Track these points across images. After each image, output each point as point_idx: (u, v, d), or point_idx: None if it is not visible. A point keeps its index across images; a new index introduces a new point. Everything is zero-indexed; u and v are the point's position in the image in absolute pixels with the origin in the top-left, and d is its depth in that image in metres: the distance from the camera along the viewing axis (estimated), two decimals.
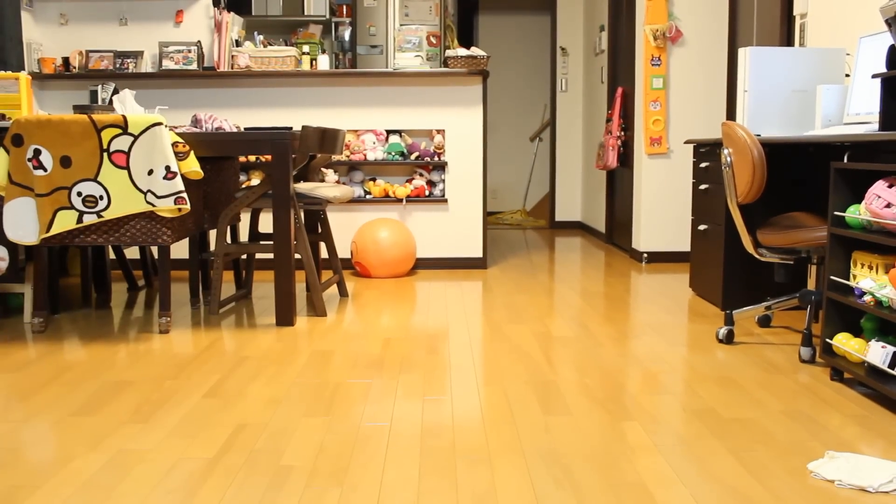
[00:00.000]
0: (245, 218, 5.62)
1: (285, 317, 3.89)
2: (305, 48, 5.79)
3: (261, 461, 2.23)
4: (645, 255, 6.01)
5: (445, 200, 5.68)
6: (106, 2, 5.70)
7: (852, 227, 2.87)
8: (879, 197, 2.65)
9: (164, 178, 3.59)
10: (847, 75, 3.90)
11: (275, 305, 3.93)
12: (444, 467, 2.17)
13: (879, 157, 3.17)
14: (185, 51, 5.57)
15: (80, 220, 3.62)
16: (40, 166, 3.58)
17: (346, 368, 3.17)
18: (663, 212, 5.99)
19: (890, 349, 2.67)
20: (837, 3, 4.03)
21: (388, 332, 3.78)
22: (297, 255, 5.31)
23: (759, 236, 3.45)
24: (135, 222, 3.69)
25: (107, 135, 3.58)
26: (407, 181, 5.74)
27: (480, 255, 5.72)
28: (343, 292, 4.66)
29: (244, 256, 4.79)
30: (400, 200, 5.64)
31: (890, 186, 2.64)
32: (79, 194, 3.60)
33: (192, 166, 3.67)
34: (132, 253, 5.72)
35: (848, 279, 2.96)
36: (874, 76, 2.84)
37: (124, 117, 3.57)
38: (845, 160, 3.01)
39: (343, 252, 5.66)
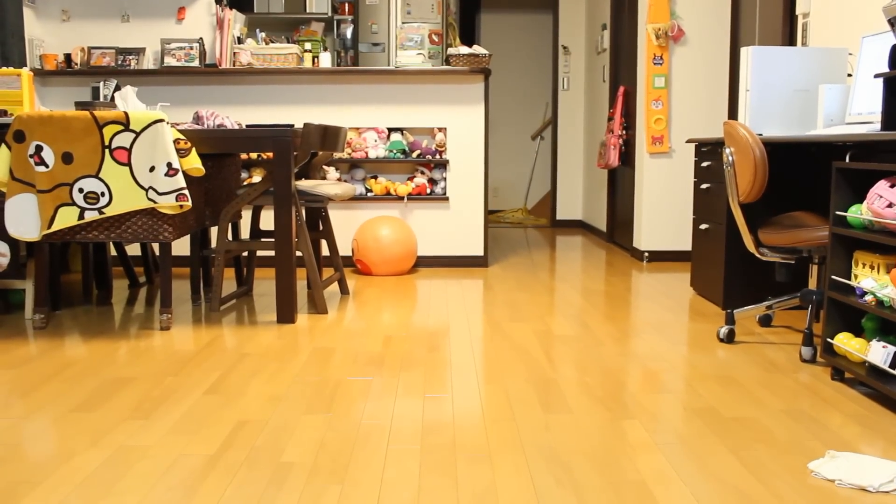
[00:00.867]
0: (246, 215, 5.62)
1: (286, 314, 3.89)
2: (307, 46, 5.78)
3: (261, 458, 2.23)
4: (646, 253, 6.00)
5: (447, 198, 5.68)
6: None
7: (854, 227, 2.87)
8: (881, 197, 2.65)
9: (166, 174, 3.59)
10: (849, 75, 3.90)
11: (276, 303, 3.93)
12: (444, 465, 2.17)
13: (881, 157, 3.17)
14: (187, 48, 5.57)
15: (81, 217, 3.62)
16: (42, 162, 3.58)
17: (347, 366, 3.17)
18: (664, 211, 5.99)
19: (891, 349, 2.67)
20: (840, 2, 4.03)
21: (388, 330, 3.78)
22: (299, 253, 5.30)
23: (760, 235, 3.45)
24: (136, 219, 3.70)
25: (108, 131, 3.58)
26: (408, 179, 5.74)
27: (482, 253, 5.72)
28: (344, 290, 4.66)
29: (245, 253, 4.79)
30: (401, 198, 5.64)
31: (892, 186, 2.64)
32: (80, 191, 3.60)
33: (194, 163, 3.67)
34: (133, 249, 5.72)
35: (849, 279, 2.96)
36: (876, 76, 2.84)
37: (126, 114, 3.57)
38: (847, 160, 3.01)
39: (344, 250, 5.66)
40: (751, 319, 4.01)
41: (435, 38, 7.41)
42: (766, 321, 3.88)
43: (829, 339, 3.00)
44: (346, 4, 7.66)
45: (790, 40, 4.69)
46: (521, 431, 2.43)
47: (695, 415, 2.58)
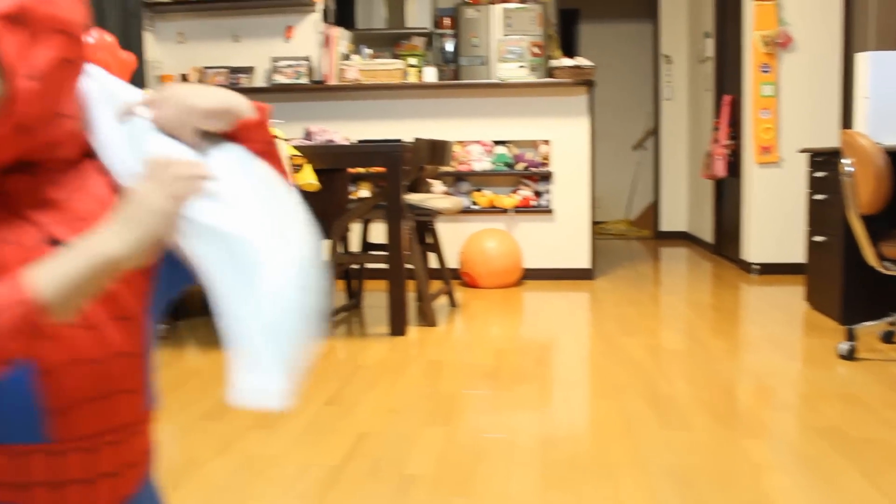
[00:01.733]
0: (355, 228, 5.72)
1: (398, 326, 3.95)
2: (412, 60, 5.87)
3: (384, 470, 2.27)
4: (755, 266, 5.87)
5: (551, 211, 5.67)
6: (220, 20, 5.90)
7: None
8: None
9: None
10: None
11: (388, 315, 3.99)
12: (566, 480, 2.17)
13: None
14: (296, 65, 5.72)
15: None
16: None
17: (461, 379, 3.20)
18: (774, 222, 5.85)
19: None
20: None
21: (498, 343, 3.80)
22: (409, 265, 5.38)
23: (882, 248, 3.34)
24: None
25: None
26: (513, 191, 5.76)
27: (588, 265, 5.69)
28: (452, 302, 4.71)
29: (354, 266, 4.88)
30: (506, 211, 5.66)
31: None
32: None
33: (308, 178, 3.77)
34: None
35: None
36: None
37: None
38: None
39: (451, 262, 5.71)
40: (872, 335, 3.87)
41: (536, 50, 7.41)
42: (888, 337, 3.75)
43: None
44: (447, 18, 7.74)
45: None
46: (640, 448, 2.41)
47: (818, 435, 2.51)
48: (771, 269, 5.86)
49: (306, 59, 5.74)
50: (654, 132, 8.72)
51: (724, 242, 6.88)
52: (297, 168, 3.73)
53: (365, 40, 7.65)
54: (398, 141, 3.97)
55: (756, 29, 5.73)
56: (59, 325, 0.75)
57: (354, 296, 4.77)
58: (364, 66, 5.67)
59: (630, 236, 8.87)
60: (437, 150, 4.23)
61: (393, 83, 5.59)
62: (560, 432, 2.56)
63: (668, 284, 5.49)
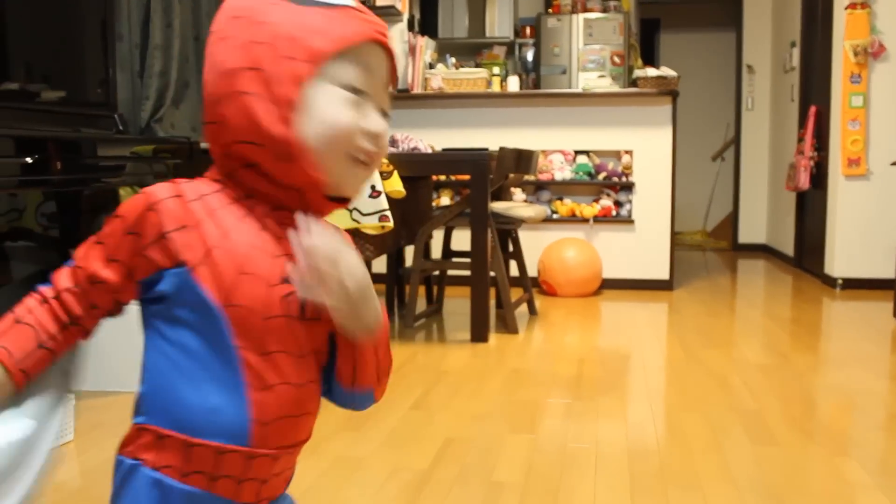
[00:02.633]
0: (437, 235, 5.78)
1: (480, 333, 3.99)
2: (494, 69, 5.91)
3: (473, 476, 2.30)
4: (840, 280, 5.75)
5: (632, 221, 5.65)
6: None
7: None
8: None
9: (370, 196, 3.76)
10: None
11: (470, 321, 4.03)
12: (655, 492, 2.18)
13: None
14: None
15: None
16: None
17: (543, 387, 3.22)
18: (861, 236, 5.72)
19: None
20: None
21: (580, 352, 3.81)
22: (491, 273, 5.42)
23: None
24: None
25: None
26: (594, 201, 5.75)
27: (667, 276, 5.65)
28: (532, 310, 4.73)
29: (436, 273, 4.94)
30: (586, 220, 5.66)
31: None
32: None
33: (396, 185, 3.84)
34: None
35: None
36: None
37: None
38: None
39: (530, 270, 5.72)
40: None
41: (616, 59, 7.39)
42: None
43: None
44: (528, 28, 7.77)
45: None
46: (728, 462, 2.40)
47: None
48: (855, 284, 5.73)
49: None
50: (735, 142, 8.60)
51: (805, 256, 6.75)
52: (386, 175, 3.80)
53: (447, 49, 7.73)
54: (485, 149, 4.02)
55: (846, 38, 5.62)
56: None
57: (436, 302, 4.83)
58: (448, 75, 5.73)
59: (706, 247, 8.76)
60: (522, 159, 4.26)
61: (476, 92, 5.64)
62: (646, 443, 2.57)
63: (748, 297, 5.42)
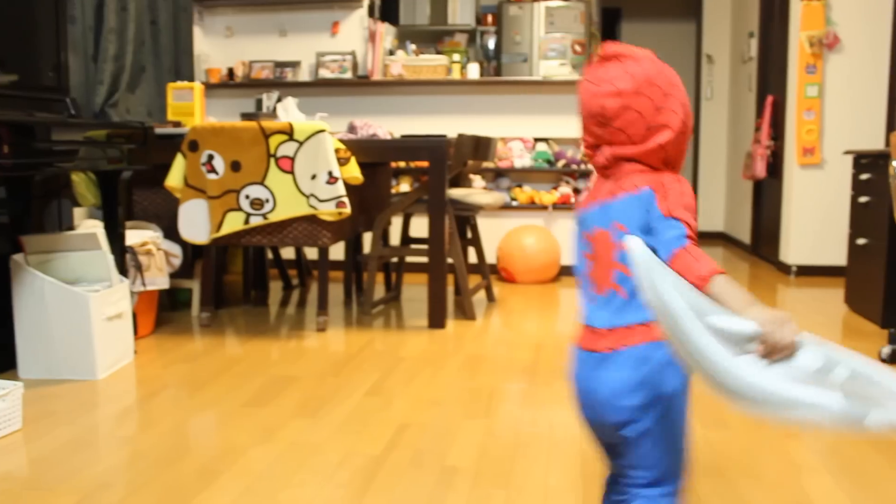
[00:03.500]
0: (396, 222, 5.77)
1: (437, 319, 3.99)
2: (455, 56, 5.90)
3: (425, 460, 2.31)
4: (794, 268, 5.83)
5: None
6: (267, 14, 5.98)
7: None
8: None
9: (327, 182, 3.74)
10: None
11: (428, 308, 4.03)
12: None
13: None
14: (341, 60, 5.78)
15: (247, 222, 3.82)
16: (213, 170, 3.80)
17: (499, 373, 3.23)
18: (815, 224, 5.80)
19: None
20: None
21: (537, 339, 3.82)
22: (449, 260, 5.42)
23: None
24: (297, 224, 3.87)
25: (274, 141, 3.76)
26: (553, 188, 5.78)
27: None
28: (491, 297, 4.74)
29: (394, 259, 4.93)
30: (546, 207, 5.68)
31: None
32: (247, 197, 3.80)
33: (353, 172, 3.82)
34: (287, 253, 5.96)
35: None
36: None
37: (291, 125, 3.75)
38: None
39: (489, 257, 5.74)
40: None
41: (577, 48, 7.40)
42: None
43: None
44: (490, 15, 7.75)
45: None
46: None
47: (860, 437, 2.51)
48: (809, 272, 5.83)
49: (351, 54, 5.79)
50: (694, 131, 8.67)
51: (761, 243, 6.85)
52: (343, 161, 3.78)
53: (408, 36, 7.69)
54: (443, 136, 4.01)
55: (802, 29, 5.69)
56: None
57: (394, 288, 4.82)
58: (408, 62, 5.71)
59: None
60: (480, 146, 4.26)
61: (436, 79, 5.63)
62: None
63: None
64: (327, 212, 3.79)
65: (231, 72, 5.89)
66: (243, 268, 4.79)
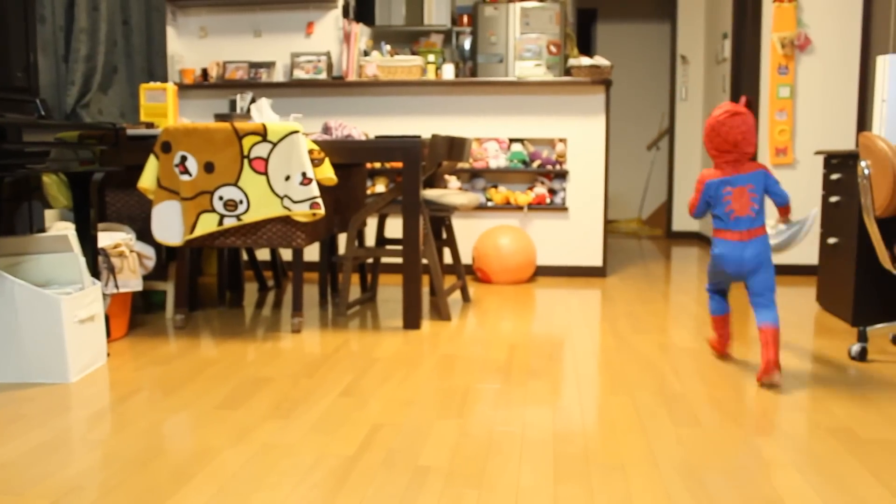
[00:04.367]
0: (371, 223, 5.77)
1: (412, 320, 4.00)
2: (430, 57, 5.90)
3: (399, 461, 2.31)
4: None
5: (566, 209, 5.70)
6: (242, 15, 5.95)
7: None
8: None
9: (301, 183, 3.74)
10: None
11: (402, 309, 4.03)
12: (578, 474, 2.21)
13: None
14: (316, 61, 5.77)
15: (220, 223, 3.81)
16: (186, 172, 3.79)
17: (474, 373, 3.24)
18: None
19: None
20: None
21: (511, 338, 3.84)
22: (424, 260, 5.43)
23: None
24: (271, 226, 3.86)
25: (247, 142, 3.75)
26: (528, 189, 5.79)
27: (600, 263, 5.72)
28: (466, 297, 4.75)
29: (370, 260, 4.93)
30: (521, 208, 5.70)
31: None
32: (220, 198, 3.79)
33: (327, 173, 3.81)
34: (262, 254, 5.95)
35: None
36: None
37: (264, 126, 3.74)
38: None
39: (464, 258, 5.75)
40: (884, 338, 3.90)
41: (553, 48, 7.43)
42: None
43: None
44: (465, 16, 7.77)
45: None
46: (651, 443, 2.44)
47: (829, 434, 2.54)
48: (782, 271, 5.88)
49: (326, 54, 5.79)
50: (670, 132, 8.73)
51: None
52: (317, 162, 3.77)
53: (384, 37, 7.69)
54: (417, 137, 4.01)
55: (774, 30, 5.74)
56: None
57: (369, 289, 4.82)
58: (383, 63, 5.71)
59: (641, 235, 8.89)
60: (455, 147, 4.27)
61: (411, 80, 5.63)
62: (572, 427, 2.60)
63: (680, 283, 5.52)
64: (301, 213, 3.78)
65: (205, 72, 5.87)
66: (218, 269, 4.76)
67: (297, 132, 3.74)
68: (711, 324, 3.53)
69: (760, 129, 6.07)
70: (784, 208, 3.23)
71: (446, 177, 5.77)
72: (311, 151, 3.77)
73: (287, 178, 3.75)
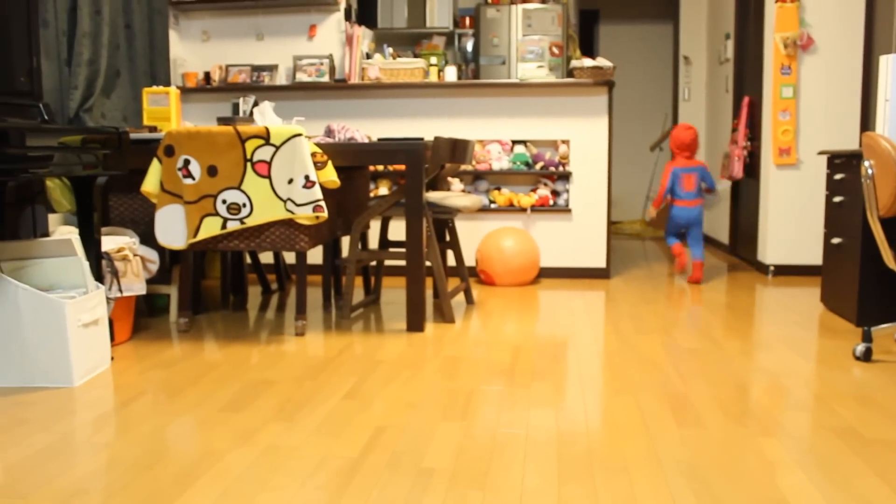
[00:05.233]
0: (374, 225, 5.77)
1: (416, 322, 4.00)
2: (433, 59, 5.91)
3: (403, 463, 2.31)
4: (771, 267, 5.88)
5: (569, 210, 5.70)
6: (244, 18, 5.97)
7: None
8: None
9: (304, 186, 3.74)
10: None
11: (406, 311, 4.03)
12: (582, 475, 2.21)
13: None
14: (318, 63, 5.77)
15: (224, 227, 3.81)
16: (189, 175, 3.79)
17: (478, 375, 3.24)
18: (791, 224, 5.85)
19: None
20: None
21: (515, 340, 3.83)
22: (428, 263, 5.43)
23: None
24: (274, 229, 3.86)
25: (250, 145, 3.75)
26: (531, 190, 5.79)
27: (604, 265, 5.72)
28: (469, 300, 4.75)
29: (373, 263, 4.93)
30: (524, 210, 5.70)
31: None
32: (223, 202, 3.79)
33: (330, 176, 3.82)
34: (266, 257, 5.95)
35: None
36: None
37: (267, 129, 3.75)
38: None
39: (468, 260, 5.75)
40: (888, 338, 3.89)
41: (555, 50, 7.43)
42: None
43: None
44: (467, 18, 7.78)
45: None
46: (656, 445, 2.44)
47: (834, 434, 2.54)
48: (786, 271, 5.87)
49: (329, 57, 5.79)
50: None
51: (739, 243, 6.89)
52: (320, 165, 3.78)
53: (386, 39, 7.71)
54: (420, 139, 4.02)
55: (777, 30, 5.74)
56: None
57: (372, 292, 4.82)
58: (385, 66, 5.71)
59: (645, 236, 8.88)
60: (457, 149, 4.27)
61: (414, 82, 5.63)
62: (576, 428, 2.60)
63: (683, 284, 5.51)
64: (304, 216, 3.79)
65: (207, 76, 5.88)
66: (221, 273, 4.77)
67: (299, 135, 3.74)
68: (672, 251, 5.78)
69: (763, 129, 6.06)
70: (710, 189, 5.62)
71: (449, 179, 5.77)
72: (313, 154, 3.78)
73: (290, 181, 3.75)
